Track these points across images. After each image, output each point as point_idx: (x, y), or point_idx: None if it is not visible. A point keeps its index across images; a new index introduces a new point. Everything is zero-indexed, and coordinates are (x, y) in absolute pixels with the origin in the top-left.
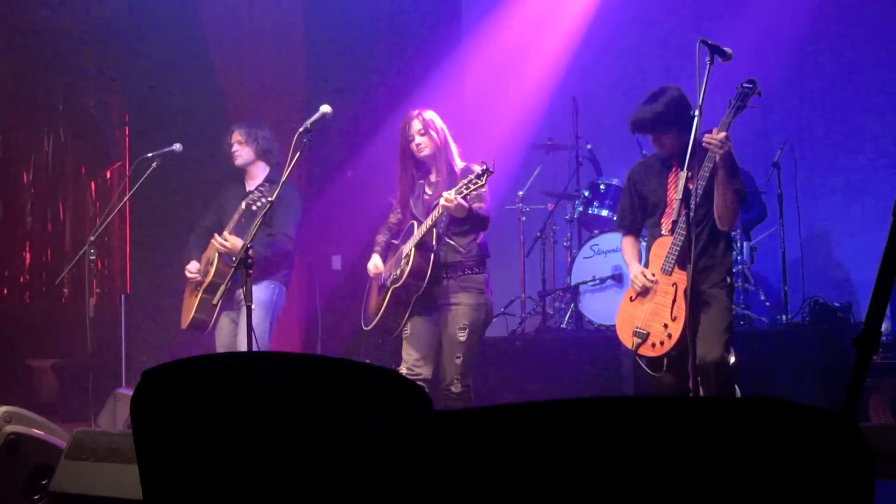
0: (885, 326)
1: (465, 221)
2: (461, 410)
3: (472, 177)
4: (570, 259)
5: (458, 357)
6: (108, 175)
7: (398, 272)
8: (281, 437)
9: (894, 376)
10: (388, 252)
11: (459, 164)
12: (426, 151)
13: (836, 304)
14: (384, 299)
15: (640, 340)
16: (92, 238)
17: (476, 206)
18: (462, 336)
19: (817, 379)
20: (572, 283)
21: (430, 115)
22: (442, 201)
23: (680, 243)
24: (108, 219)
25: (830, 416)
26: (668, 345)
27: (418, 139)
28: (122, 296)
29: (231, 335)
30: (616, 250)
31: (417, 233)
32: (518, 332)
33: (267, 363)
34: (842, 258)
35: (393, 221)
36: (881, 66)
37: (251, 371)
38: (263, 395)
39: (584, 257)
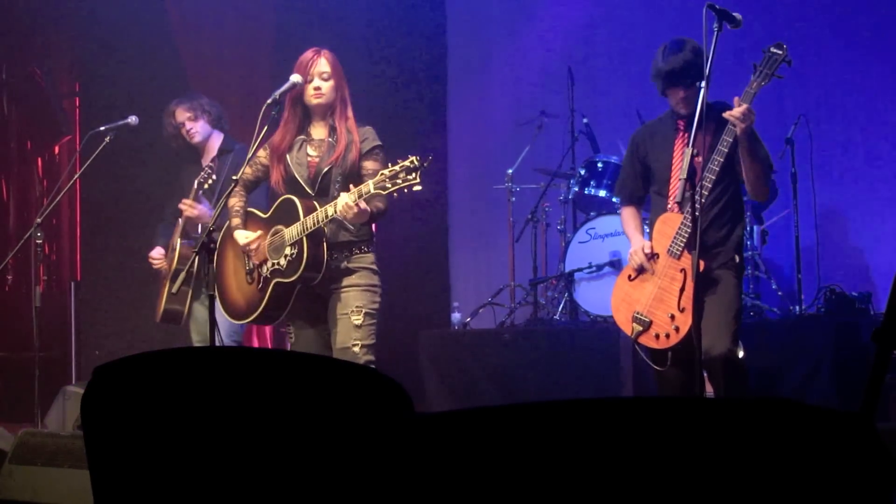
0: None
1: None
2: (448, 413)
3: (400, 170)
4: (563, 244)
5: (354, 344)
6: (57, 150)
7: (282, 262)
8: (251, 443)
9: None
10: (247, 220)
11: (355, 125)
12: (322, 100)
13: (854, 294)
14: (264, 292)
15: (641, 328)
16: (38, 220)
17: (378, 205)
18: (357, 319)
19: (833, 375)
20: (566, 271)
21: (336, 60)
22: (340, 207)
23: (690, 223)
24: (57, 199)
25: (846, 418)
26: (675, 339)
27: (319, 82)
28: (72, 284)
29: (207, 324)
30: (615, 234)
31: (309, 220)
32: (507, 324)
33: (232, 359)
34: (861, 244)
35: (250, 178)
36: None
37: (214, 367)
38: (227, 394)
39: (580, 242)
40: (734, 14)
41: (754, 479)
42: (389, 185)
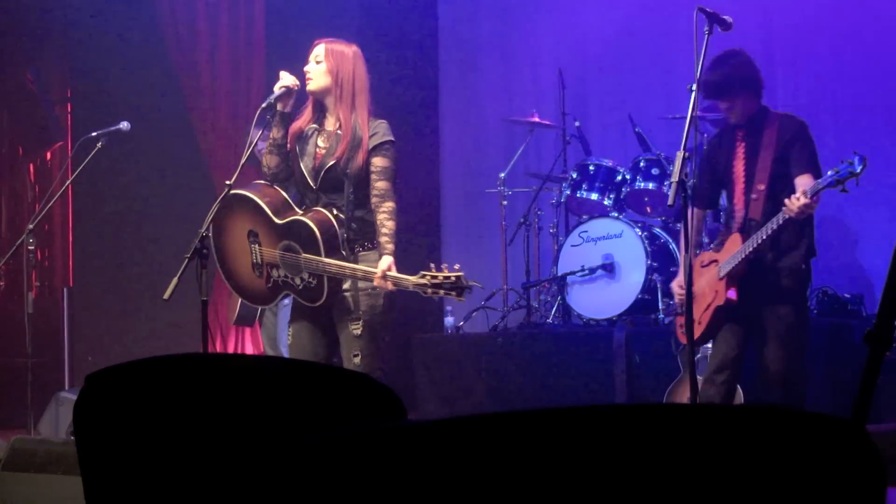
0: None
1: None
2: (438, 421)
3: (444, 281)
4: (556, 247)
5: (355, 355)
6: (49, 156)
7: (297, 281)
8: (239, 450)
9: None
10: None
11: (367, 120)
12: (311, 85)
13: (847, 296)
14: (274, 294)
15: (681, 311)
16: (30, 226)
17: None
18: (356, 329)
19: (826, 377)
20: (559, 274)
21: (342, 48)
22: (377, 282)
23: (742, 257)
24: (49, 205)
25: (838, 424)
26: (695, 335)
27: (311, 66)
28: (65, 289)
29: (276, 329)
30: (607, 237)
31: (333, 267)
32: (500, 328)
33: (226, 366)
34: (853, 246)
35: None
36: None
37: (209, 375)
38: (222, 402)
39: (572, 245)
40: (725, 17)
41: (746, 485)
42: (430, 292)
